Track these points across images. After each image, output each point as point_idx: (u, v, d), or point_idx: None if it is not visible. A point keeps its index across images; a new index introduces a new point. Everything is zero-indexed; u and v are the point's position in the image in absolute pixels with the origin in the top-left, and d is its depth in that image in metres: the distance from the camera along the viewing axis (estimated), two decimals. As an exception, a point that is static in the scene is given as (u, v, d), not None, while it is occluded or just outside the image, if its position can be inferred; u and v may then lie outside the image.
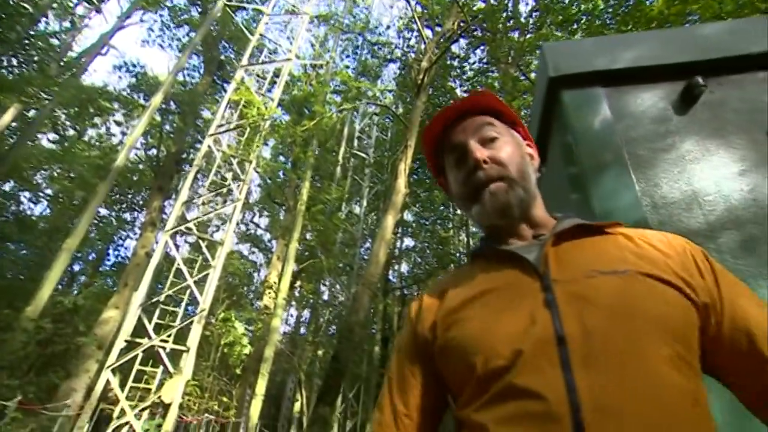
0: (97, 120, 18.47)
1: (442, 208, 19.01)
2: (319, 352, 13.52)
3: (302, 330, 20.24)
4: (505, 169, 0.69)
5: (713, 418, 0.52)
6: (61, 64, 13.81)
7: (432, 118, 0.77)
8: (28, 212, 18.66)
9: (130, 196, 20.10)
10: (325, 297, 18.32)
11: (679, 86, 1.83)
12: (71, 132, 17.96)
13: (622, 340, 0.51)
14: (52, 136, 17.78)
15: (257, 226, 23.99)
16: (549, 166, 2.36)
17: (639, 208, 1.54)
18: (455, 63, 13.22)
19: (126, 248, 22.46)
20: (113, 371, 6.88)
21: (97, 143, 19.02)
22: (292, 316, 23.83)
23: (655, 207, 1.58)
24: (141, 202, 19.80)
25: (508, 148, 0.72)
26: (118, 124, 18.71)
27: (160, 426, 6.82)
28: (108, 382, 6.73)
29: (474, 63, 13.30)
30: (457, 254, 19.33)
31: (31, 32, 10.17)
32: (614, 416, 0.46)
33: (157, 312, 8.07)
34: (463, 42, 13.27)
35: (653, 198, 1.61)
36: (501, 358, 0.54)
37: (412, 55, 12.80)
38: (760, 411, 0.55)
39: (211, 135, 9.19)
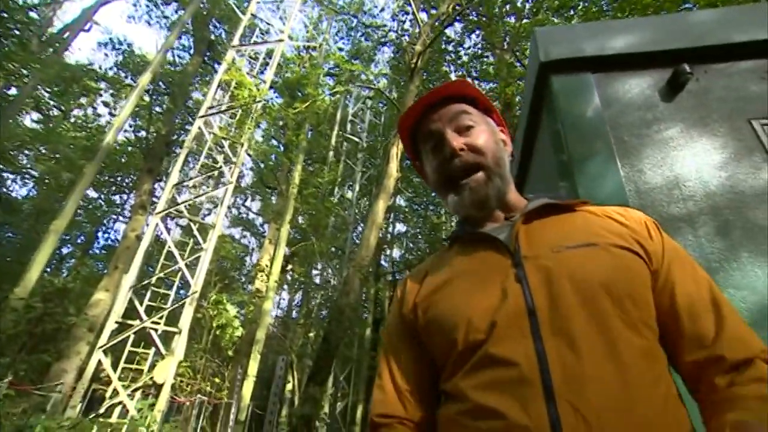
0: (83, 100, 17.98)
1: (434, 194, 19.05)
2: (311, 335, 13.68)
3: (294, 314, 20.40)
4: (481, 157, 0.72)
5: (671, 375, 0.57)
6: (43, 39, 13.34)
7: (410, 106, 0.79)
8: (13, 194, 18.31)
9: (118, 178, 19.76)
10: (317, 281, 18.43)
11: (666, 73, 1.86)
12: (56, 112, 17.47)
13: (585, 309, 0.55)
14: (35, 115, 17.31)
15: (249, 210, 23.88)
16: (539, 152, 2.40)
17: (622, 194, 1.58)
18: (450, 47, 13.06)
19: (116, 231, 22.22)
20: (105, 352, 6.91)
21: (84, 124, 18.54)
22: (284, 299, 23.97)
23: (638, 192, 1.63)
24: (130, 185, 19.51)
25: (484, 136, 0.74)
26: (106, 104, 18.22)
27: (153, 406, 6.90)
28: (100, 362, 6.77)
29: (469, 48, 13.16)
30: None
31: (9, 2, 9.74)
32: (578, 378, 0.51)
33: (149, 294, 8.08)
34: (458, 26, 13.10)
35: (636, 184, 1.65)
36: (478, 331, 0.58)
37: (407, 39, 12.60)
38: (681, 374, 0.60)
39: (202, 116, 9.04)
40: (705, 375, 0.56)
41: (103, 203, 20.44)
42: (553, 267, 0.60)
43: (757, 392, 0.51)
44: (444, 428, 0.60)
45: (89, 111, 18.87)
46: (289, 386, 13.91)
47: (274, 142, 17.94)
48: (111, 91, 17.58)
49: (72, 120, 18.40)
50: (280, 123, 14.54)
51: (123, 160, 17.94)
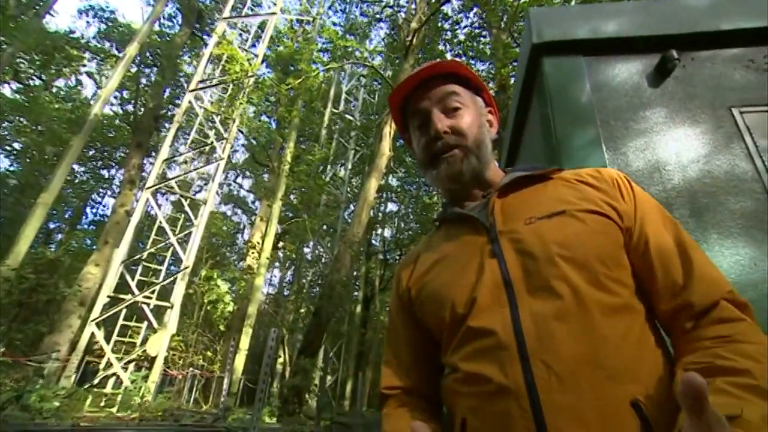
0: (65, 70, 17.29)
1: (427, 174, 19.03)
2: (302, 311, 13.88)
3: (286, 292, 20.58)
4: (462, 139, 0.75)
5: (642, 320, 0.60)
6: (22, 0, 12.71)
7: (403, 79, 0.81)
8: (-4, 167, 17.81)
9: (106, 152, 19.31)
10: (309, 258, 18.53)
11: (655, 59, 1.89)
12: (37, 82, 16.81)
13: (557, 274, 0.59)
14: (15, 85, 16.64)
15: (240, 186, 23.68)
16: (529, 133, 2.44)
17: (606, 176, 1.63)
18: (446, 26, 12.80)
19: (105, 206, 21.91)
20: (97, 325, 6.97)
21: (67, 95, 17.91)
22: (275, 276, 24.13)
23: (620, 175, 1.69)
24: (118, 159, 19.12)
25: (468, 118, 0.77)
26: (90, 75, 17.58)
27: (146, 378, 7.04)
28: (93, 335, 6.83)
29: (466, 27, 12.91)
30: (440, 221, 19.60)
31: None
32: (550, 338, 0.56)
33: (140, 269, 8.09)
34: (456, 3, 12.81)
35: (619, 166, 1.70)
36: (460, 307, 0.64)
37: (403, 15, 12.31)
38: (660, 323, 0.64)
39: (192, 90, 8.85)
40: (676, 321, 0.59)
41: (90, 178, 20.05)
42: (526, 238, 0.64)
43: (713, 333, 0.55)
44: (446, 395, 0.68)
45: (72, 82, 18.20)
46: (280, 360, 14.20)
47: (266, 118, 17.64)
48: (95, 61, 16.96)
49: (54, 91, 17.74)
50: (273, 99, 14.26)
51: (110, 134, 17.48)
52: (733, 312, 0.56)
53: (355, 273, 16.60)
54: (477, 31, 12.70)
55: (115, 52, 15.81)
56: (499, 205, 0.71)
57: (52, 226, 20.09)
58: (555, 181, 0.73)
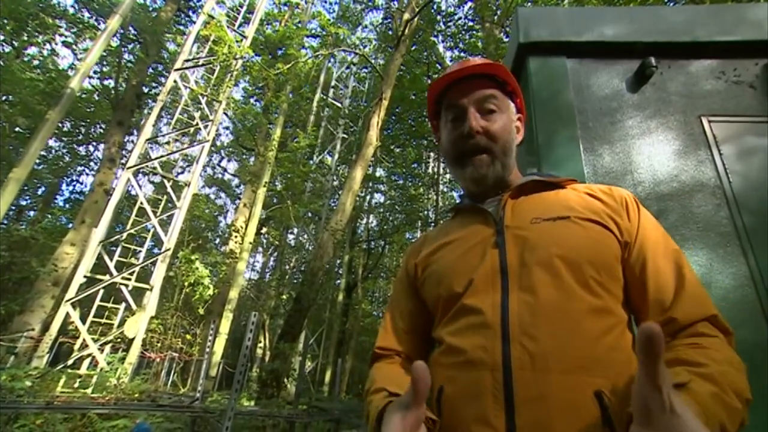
0: (39, 38, 16.38)
1: (414, 165, 19.10)
2: (284, 297, 13.88)
3: (268, 277, 20.50)
4: (493, 143, 0.79)
5: (622, 326, 0.63)
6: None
7: (447, 71, 0.84)
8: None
9: (83, 128, 18.61)
10: (292, 245, 18.45)
11: (634, 65, 1.97)
12: (6, 48, 15.87)
13: (549, 270, 0.65)
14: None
15: (225, 170, 23.27)
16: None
17: (581, 178, 1.70)
18: (439, 18, 12.74)
19: (82, 184, 21.24)
20: (73, 305, 6.84)
21: (42, 65, 17.01)
22: (258, 262, 23.97)
23: (595, 176, 1.76)
24: (96, 136, 18.48)
25: (501, 123, 0.80)
26: (67, 45, 16.73)
27: (123, 359, 6.97)
28: (68, 315, 6.70)
29: (459, 19, 12.88)
30: (426, 212, 19.77)
31: None
32: (531, 324, 0.61)
33: (119, 250, 7.94)
34: (449, -6, 12.73)
35: (595, 167, 1.78)
36: (458, 286, 0.70)
37: (395, 5, 12.19)
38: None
39: (177, 69, 8.61)
40: None
41: (66, 153, 19.34)
42: (529, 236, 0.69)
43: (687, 341, 0.59)
44: (431, 368, 0.73)
45: (46, 51, 17.26)
46: (260, 345, 14.21)
47: (252, 100, 17.30)
48: (72, 31, 16.13)
49: (26, 59, 16.83)
50: (261, 83, 13.99)
51: (90, 109, 16.83)
52: (711, 330, 0.60)
53: (338, 261, 16.64)
54: (470, 23, 12.69)
55: (94, 23, 15.11)
56: (511, 203, 0.77)
57: (24, 202, 19.39)
58: (567, 191, 0.79)
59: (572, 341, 0.59)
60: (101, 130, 17.51)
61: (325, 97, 17.45)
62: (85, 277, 7.08)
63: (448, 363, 0.66)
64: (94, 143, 19.25)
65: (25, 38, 15.39)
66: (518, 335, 0.60)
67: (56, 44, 16.53)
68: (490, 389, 0.58)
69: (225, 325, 10.43)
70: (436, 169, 20.23)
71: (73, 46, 16.10)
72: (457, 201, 0.95)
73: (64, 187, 20.53)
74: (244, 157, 20.61)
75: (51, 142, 17.42)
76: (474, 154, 0.79)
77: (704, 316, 0.61)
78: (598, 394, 0.55)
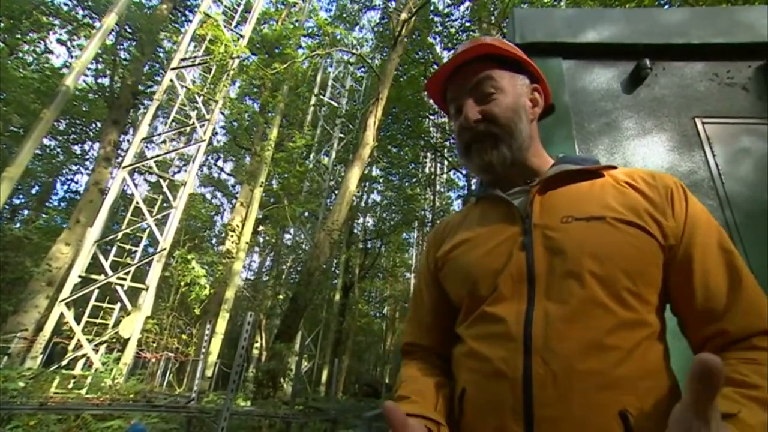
0: (33, 35, 16.21)
1: (411, 165, 19.13)
2: (280, 297, 13.86)
3: (265, 278, 20.45)
4: (494, 126, 0.73)
5: (653, 338, 0.59)
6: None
7: (440, 67, 0.81)
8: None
9: (78, 126, 18.47)
10: (289, 244, 18.43)
11: (630, 66, 1.98)
12: (-1, 46, 15.70)
13: (579, 279, 0.60)
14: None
15: (221, 170, 23.20)
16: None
17: (577, 177, 1.71)
18: (437, 18, 12.77)
19: (77, 183, 21.08)
20: (67, 305, 6.79)
21: (36, 62, 16.86)
22: (255, 262, 23.91)
23: (591, 176, 1.78)
24: (91, 134, 18.34)
25: (503, 104, 0.74)
26: (62, 42, 16.58)
27: (118, 360, 6.93)
28: (62, 315, 6.66)
29: (456, 20, 12.91)
30: (423, 212, 19.79)
31: None
32: (555, 338, 0.57)
33: (114, 250, 7.89)
34: (446, -5, 12.76)
35: (590, 168, 1.79)
36: (482, 290, 0.67)
37: (393, 5, 12.20)
38: (691, 347, 0.62)
39: (174, 68, 8.58)
40: (707, 344, 0.58)
41: (61, 152, 19.19)
42: (559, 237, 0.64)
43: (740, 355, 0.53)
44: (453, 363, 0.72)
45: (40, 49, 17.08)
46: (257, 345, 14.18)
47: (248, 100, 17.25)
48: (67, 29, 16.00)
49: (20, 56, 16.66)
50: (255, 82, 13.95)
51: (85, 108, 16.71)
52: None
53: (335, 261, 16.63)
54: (467, 24, 12.72)
55: (90, 22, 15.00)
56: (540, 198, 0.70)
57: (18, 201, 19.23)
58: (604, 180, 0.71)
59: (597, 358, 0.55)
60: (97, 129, 17.40)
61: (322, 97, 17.43)
62: (79, 277, 7.03)
63: (470, 367, 0.64)
64: (90, 142, 19.13)
65: (19, 36, 15.25)
66: (541, 349, 0.57)
67: (50, 42, 16.41)
68: (510, 403, 0.56)
69: (221, 325, 10.40)
70: (432, 169, 20.27)
71: (68, 44, 15.98)
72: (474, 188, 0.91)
73: (58, 186, 20.39)
74: (240, 156, 20.55)
75: (45, 141, 17.26)
76: (476, 143, 0.75)
77: (762, 329, 0.55)
78: (623, 414, 0.52)
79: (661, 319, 0.62)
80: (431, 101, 0.95)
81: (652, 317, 0.60)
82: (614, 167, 0.74)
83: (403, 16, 9.33)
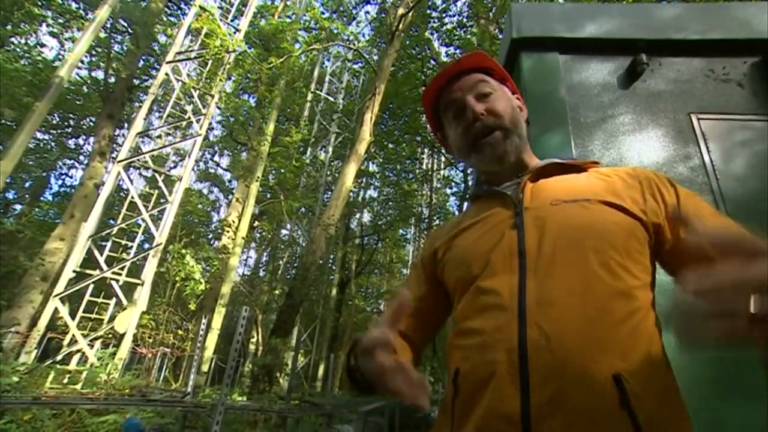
0: (24, 27, 15.95)
1: (408, 162, 19.11)
2: (276, 292, 13.85)
3: (261, 273, 20.43)
4: (500, 120, 0.78)
5: (644, 311, 0.62)
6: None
7: (432, 80, 0.85)
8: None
9: (72, 120, 18.27)
10: (285, 240, 18.39)
11: (626, 61, 1.98)
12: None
13: (568, 252, 0.64)
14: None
15: (217, 165, 23.08)
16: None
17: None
18: (434, 14, 12.71)
19: (71, 177, 20.92)
20: (62, 300, 6.75)
21: (29, 54, 16.60)
22: (251, 257, 23.85)
23: (586, 171, 1.78)
24: (85, 128, 18.16)
25: (502, 102, 0.81)
26: (54, 35, 16.33)
27: (113, 355, 6.91)
28: (56, 310, 6.62)
29: (454, 16, 12.86)
30: (419, 208, 19.81)
31: None
32: (547, 305, 0.59)
33: (109, 245, 7.85)
34: (444, -10, 12.70)
35: (586, 162, 1.80)
36: (475, 267, 0.69)
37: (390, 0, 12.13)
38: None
39: (169, 62, 8.49)
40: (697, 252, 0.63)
41: (54, 146, 19.00)
42: (548, 217, 0.68)
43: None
44: (447, 354, 0.73)
45: (32, 41, 16.81)
46: (253, 340, 14.19)
47: (246, 96, 17.14)
48: (59, 21, 15.76)
49: (10, 49, 16.40)
50: (252, 76, 13.85)
51: (79, 101, 16.53)
52: None
53: (331, 256, 16.63)
54: (465, 20, 12.68)
55: (83, 13, 14.79)
56: (531, 186, 0.76)
57: (10, 196, 19.04)
58: (588, 173, 0.78)
59: (592, 324, 0.57)
60: (91, 123, 17.24)
61: (319, 92, 17.34)
62: (74, 271, 6.99)
63: (464, 344, 0.65)
64: (84, 136, 18.95)
65: (10, 28, 15.01)
66: (535, 317, 0.59)
67: (43, 34, 16.16)
68: (506, 369, 0.57)
69: (217, 321, 10.39)
70: (429, 165, 20.26)
71: (60, 37, 15.76)
72: (465, 192, 0.94)
73: (52, 180, 20.20)
74: (236, 151, 20.44)
75: (39, 135, 17.09)
76: (485, 136, 0.78)
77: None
78: (617, 376, 0.53)
79: (649, 297, 0.65)
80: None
81: (641, 293, 0.63)
82: (598, 163, 0.81)
83: (401, 11, 9.28)
